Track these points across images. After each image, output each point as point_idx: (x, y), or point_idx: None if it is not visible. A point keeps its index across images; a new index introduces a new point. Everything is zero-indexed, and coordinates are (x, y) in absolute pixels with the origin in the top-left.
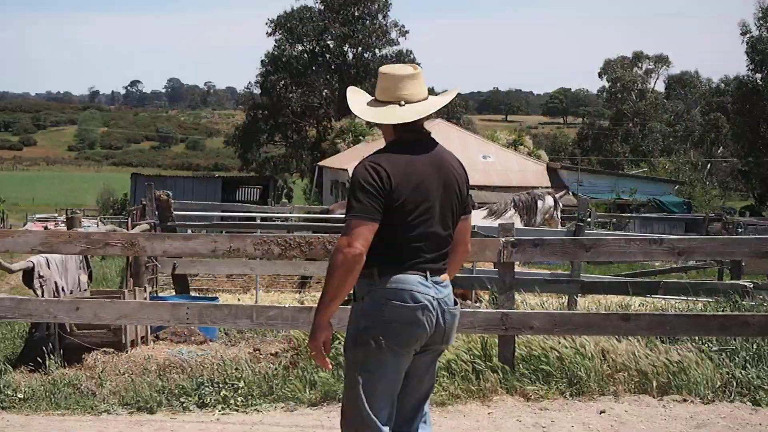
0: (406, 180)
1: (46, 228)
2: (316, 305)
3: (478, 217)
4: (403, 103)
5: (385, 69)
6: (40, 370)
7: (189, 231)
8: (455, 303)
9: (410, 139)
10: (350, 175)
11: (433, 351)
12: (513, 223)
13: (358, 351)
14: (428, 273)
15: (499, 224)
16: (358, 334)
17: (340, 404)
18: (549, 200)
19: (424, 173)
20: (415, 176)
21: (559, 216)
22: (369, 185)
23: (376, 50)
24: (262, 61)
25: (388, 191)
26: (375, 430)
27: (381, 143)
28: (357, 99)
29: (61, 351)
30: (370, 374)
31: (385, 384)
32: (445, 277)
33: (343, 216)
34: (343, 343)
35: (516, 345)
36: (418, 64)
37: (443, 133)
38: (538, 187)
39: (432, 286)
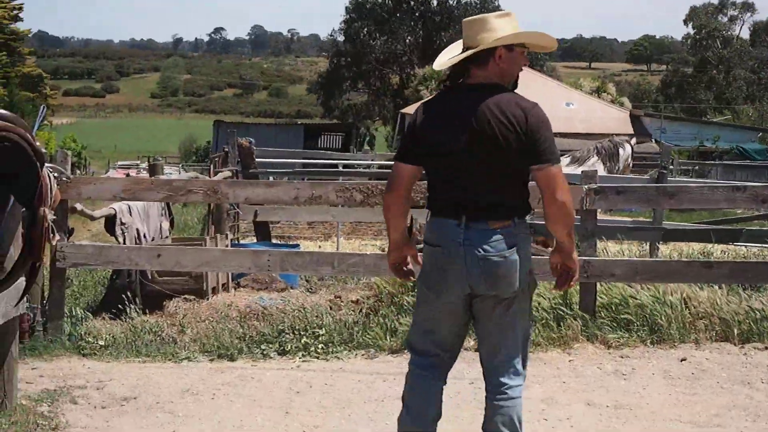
0: (426, 122)
1: (128, 175)
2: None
3: (561, 165)
4: (466, 49)
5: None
6: (122, 317)
7: (271, 178)
8: (509, 248)
9: (455, 85)
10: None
11: (485, 299)
12: (596, 170)
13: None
14: (464, 218)
15: (581, 171)
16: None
17: None
18: (628, 148)
19: (447, 116)
20: (436, 118)
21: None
22: (406, 129)
23: None
24: (346, 8)
25: (416, 136)
26: (412, 354)
27: None
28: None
29: (142, 298)
30: (416, 306)
31: (420, 317)
32: (494, 224)
33: None
34: None
35: (597, 293)
36: (500, 9)
37: (527, 80)
38: (618, 135)
39: (464, 231)
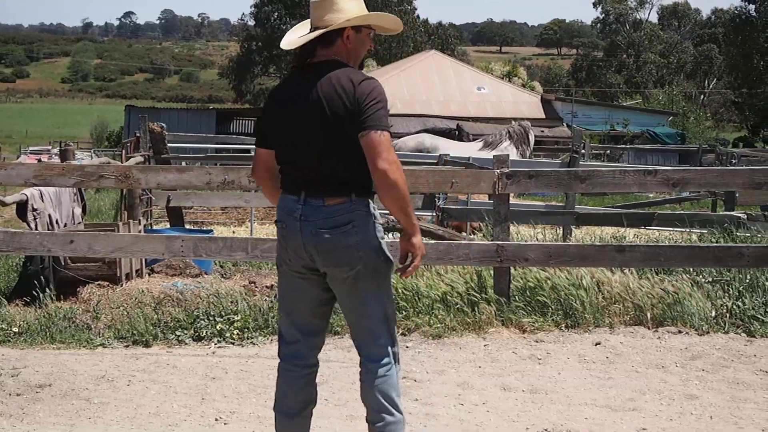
0: (271, 105)
1: (39, 161)
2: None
3: (473, 149)
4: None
5: None
6: (35, 303)
7: (183, 163)
8: (342, 225)
9: (300, 65)
10: None
11: (333, 278)
12: (508, 155)
13: None
14: (303, 193)
15: (493, 155)
16: None
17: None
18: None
19: (287, 97)
20: (279, 100)
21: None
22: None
23: None
24: None
25: (265, 120)
26: (280, 343)
27: (376, 74)
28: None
29: (56, 284)
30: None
31: (280, 298)
32: (330, 201)
33: None
34: None
35: (511, 277)
36: None
37: (437, 64)
38: (531, 119)
39: (302, 206)
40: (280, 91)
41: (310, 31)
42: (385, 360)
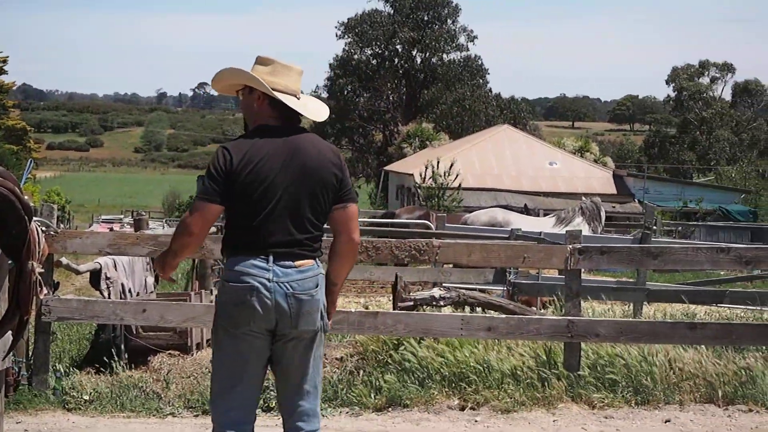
0: (246, 163)
1: (111, 230)
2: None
3: (546, 225)
4: (299, 96)
5: (281, 60)
6: (106, 372)
7: None
8: (314, 287)
9: (273, 124)
10: (415, 180)
11: (291, 339)
12: (581, 230)
13: (213, 339)
14: (272, 257)
15: (566, 231)
16: (213, 319)
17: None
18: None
19: (267, 157)
20: (256, 160)
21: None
22: (213, 168)
23: (444, 55)
24: (330, 64)
25: (227, 173)
26: (218, 410)
27: (447, 147)
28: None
29: (127, 353)
30: (216, 355)
31: (224, 366)
32: (302, 264)
33: (409, 220)
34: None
35: (581, 352)
36: (485, 68)
37: (509, 139)
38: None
39: (272, 269)
40: (259, 149)
41: (288, 94)
42: (319, 425)
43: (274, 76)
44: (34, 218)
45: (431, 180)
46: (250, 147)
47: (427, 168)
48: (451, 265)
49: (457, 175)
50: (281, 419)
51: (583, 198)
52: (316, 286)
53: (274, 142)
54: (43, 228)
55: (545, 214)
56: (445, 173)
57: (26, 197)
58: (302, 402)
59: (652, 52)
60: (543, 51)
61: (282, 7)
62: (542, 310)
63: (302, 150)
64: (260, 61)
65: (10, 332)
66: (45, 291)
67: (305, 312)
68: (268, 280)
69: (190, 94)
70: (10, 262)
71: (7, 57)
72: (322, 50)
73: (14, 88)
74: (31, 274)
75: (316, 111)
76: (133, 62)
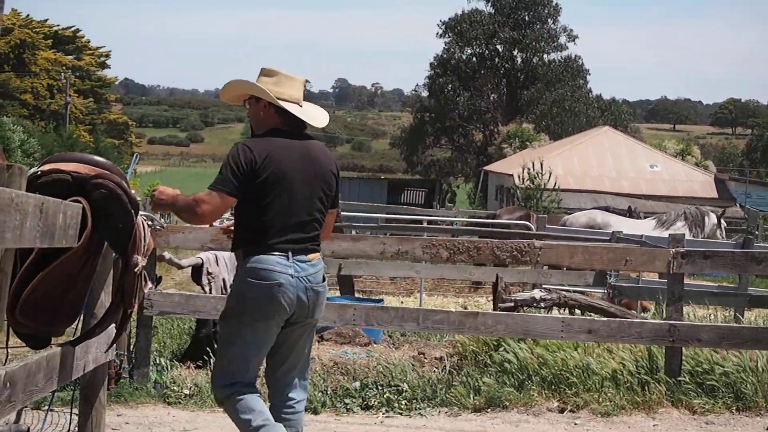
0: (269, 160)
1: (211, 225)
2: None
3: (647, 228)
4: (302, 104)
5: (285, 71)
6: (206, 367)
7: (354, 232)
8: (323, 280)
9: (284, 128)
10: (514, 180)
11: (301, 325)
12: (683, 234)
13: (225, 324)
14: (290, 253)
15: (669, 235)
16: (226, 310)
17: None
18: (713, 218)
19: (286, 156)
20: (278, 157)
21: (724, 236)
22: (234, 163)
23: (544, 55)
24: (430, 63)
25: (250, 169)
26: (237, 386)
27: (547, 148)
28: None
29: None
30: (233, 340)
31: (256, 350)
32: (313, 257)
33: (509, 221)
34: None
35: (682, 357)
36: (586, 69)
37: (610, 141)
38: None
39: (292, 265)
40: (278, 149)
41: (292, 102)
42: (306, 396)
43: (279, 86)
44: (141, 212)
45: (529, 181)
46: (269, 145)
47: (523, 169)
48: (546, 267)
49: (549, 175)
50: (268, 392)
51: (691, 207)
52: (324, 278)
53: (290, 143)
54: (149, 222)
55: (645, 217)
56: (539, 174)
57: (132, 191)
58: (297, 377)
59: (756, 56)
60: (644, 52)
61: (381, 5)
62: (642, 314)
63: (313, 153)
64: (265, 72)
65: (113, 325)
66: (149, 285)
67: (320, 303)
68: (291, 276)
69: None
70: (115, 255)
71: (110, 52)
72: (421, 49)
73: (116, 82)
74: (135, 268)
75: (318, 118)
76: (235, 58)
